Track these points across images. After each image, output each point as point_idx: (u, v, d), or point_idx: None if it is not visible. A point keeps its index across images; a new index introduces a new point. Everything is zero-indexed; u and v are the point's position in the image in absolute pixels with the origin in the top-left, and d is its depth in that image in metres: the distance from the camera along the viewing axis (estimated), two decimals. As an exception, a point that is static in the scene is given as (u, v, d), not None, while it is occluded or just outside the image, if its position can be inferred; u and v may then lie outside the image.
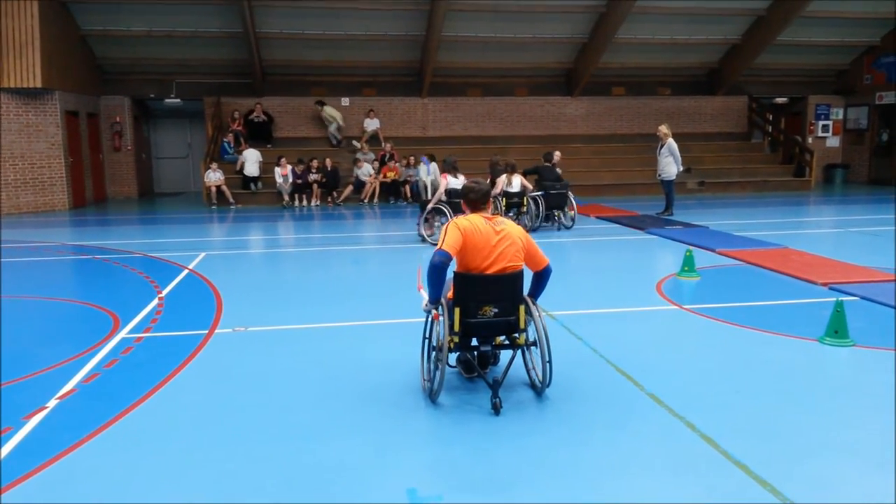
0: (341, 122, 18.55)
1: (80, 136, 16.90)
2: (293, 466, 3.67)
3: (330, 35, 17.26)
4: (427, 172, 15.00)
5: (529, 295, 4.59)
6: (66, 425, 4.18)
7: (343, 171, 17.36)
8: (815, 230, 12.42)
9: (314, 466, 3.67)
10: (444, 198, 10.81)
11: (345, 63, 18.48)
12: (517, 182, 11.79)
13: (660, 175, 13.98)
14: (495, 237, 4.35)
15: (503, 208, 11.73)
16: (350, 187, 16.98)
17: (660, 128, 14.08)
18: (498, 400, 4.31)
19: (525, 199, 11.85)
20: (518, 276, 4.40)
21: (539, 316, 4.47)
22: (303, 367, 5.20)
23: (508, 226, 4.46)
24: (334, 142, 18.68)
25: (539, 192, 12.06)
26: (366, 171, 17.08)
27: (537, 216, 11.94)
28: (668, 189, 13.89)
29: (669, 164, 13.71)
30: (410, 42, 17.89)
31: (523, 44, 18.27)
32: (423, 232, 10.85)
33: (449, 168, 11.15)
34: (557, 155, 13.17)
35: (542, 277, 4.57)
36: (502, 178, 11.81)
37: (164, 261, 9.44)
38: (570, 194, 12.37)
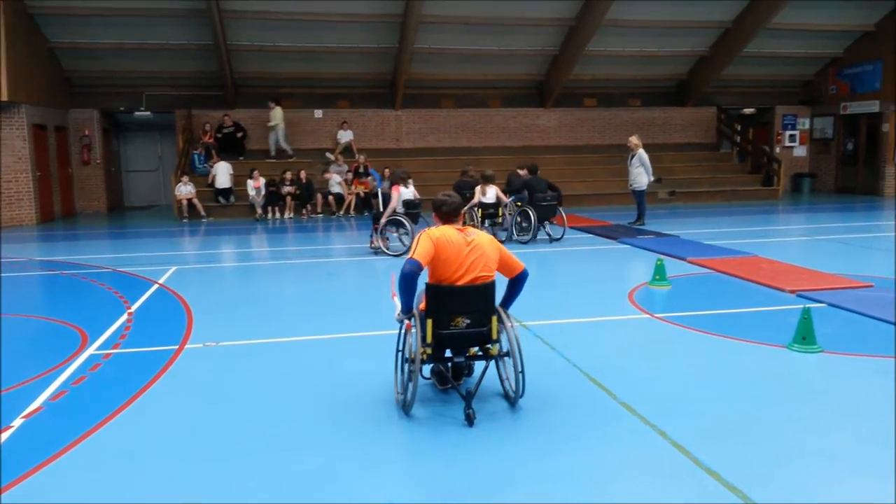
0: (280, 129, 17.99)
1: (48, 149, 16.65)
2: (266, 482, 3.63)
3: (302, 47, 17.24)
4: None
5: (501, 304, 4.61)
6: (32, 445, 4.09)
7: (317, 184, 17.28)
8: (783, 238, 12.62)
9: (287, 481, 3.64)
10: (400, 209, 10.78)
11: (317, 75, 18.45)
12: (492, 193, 11.81)
13: (631, 185, 14.14)
14: (466, 248, 4.39)
15: (479, 219, 11.76)
16: (319, 197, 16.85)
17: (630, 139, 14.25)
18: (471, 411, 4.32)
19: (500, 210, 11.89)
20: (490, 287, 4.41)
21: (511, 326, 4.48)
22: (275, 382, 5.15)
23: (480, 236, 4.49)
24: (273, 151, 18.13)
25: (510, 200, 12.04)
26: (334, 180, 16.99)
27: (527, 228, 11.86)
28: (640, 199, 14.04)
29: (640, 175, 13.88)
30: (383, 54, 17.92)
31: (495, 56, 18.39)
32: (379, 243, 10.84)
33: (399, 179, 11.12)
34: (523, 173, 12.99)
35: (517, 283, 4.58)
36: (478, 189, 11.84)
37: (133, 276, 9.32)
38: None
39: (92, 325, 6.73)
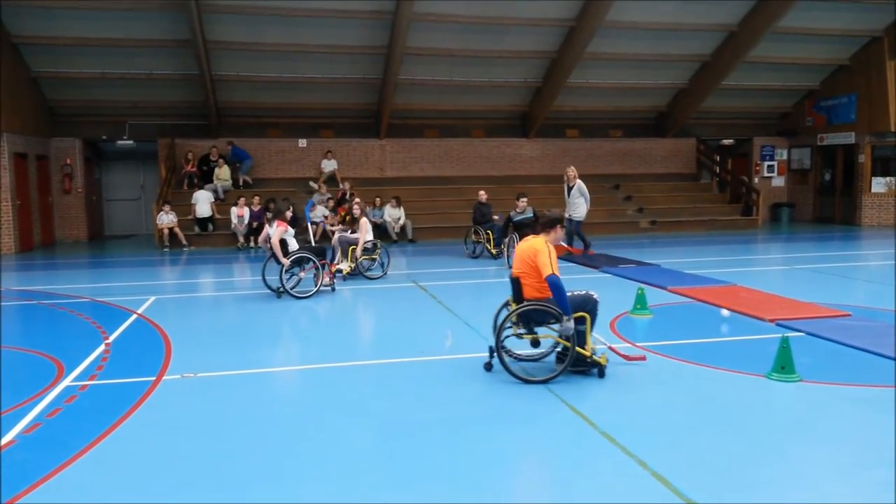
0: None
1: (29, 178, 16.53)
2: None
3: (287, 78, 17.34)
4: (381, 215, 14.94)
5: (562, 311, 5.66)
6: (4, 479, 4.00)
7: (299, 213, 17.23)
8: (762, 267, 12.74)
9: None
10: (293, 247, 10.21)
11: (302, 105, 18.53)
12: None
13: (569, 215, 13.72)
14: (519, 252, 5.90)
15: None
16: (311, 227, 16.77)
17: (568, 170, 14.02)
18: (491, 361, 5.86)
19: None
20: (515, 281, 5.87)
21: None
22: (254, 413, 5.10)
23: (526, 244, 5.87)
24: (221, 195, 17.80)
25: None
26: (319, 213, 16.96)
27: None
28: (577, 229, 13.82)
29: (581, 205, 13.76)
30: (368, 85, 18.06)
31: (479, 87, 18.60)
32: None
33: (280, 214, 10.30)
34: (482, 195, 13.62)
35: (550, 289, 5.58)
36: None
37: (112, 305, 9.22)
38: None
39: (68, 355, 6.64)
